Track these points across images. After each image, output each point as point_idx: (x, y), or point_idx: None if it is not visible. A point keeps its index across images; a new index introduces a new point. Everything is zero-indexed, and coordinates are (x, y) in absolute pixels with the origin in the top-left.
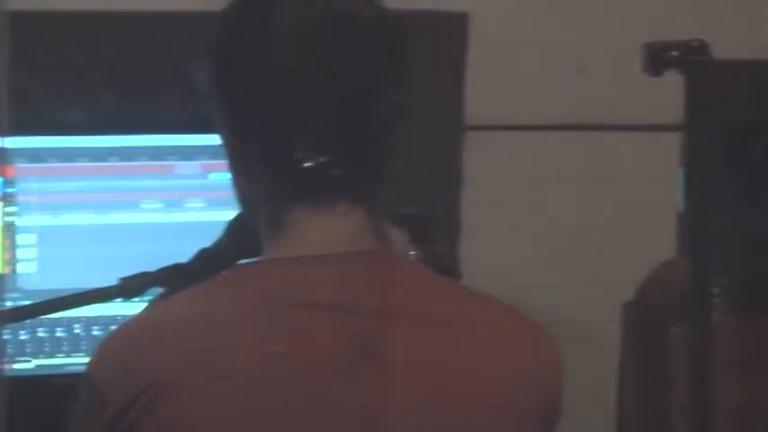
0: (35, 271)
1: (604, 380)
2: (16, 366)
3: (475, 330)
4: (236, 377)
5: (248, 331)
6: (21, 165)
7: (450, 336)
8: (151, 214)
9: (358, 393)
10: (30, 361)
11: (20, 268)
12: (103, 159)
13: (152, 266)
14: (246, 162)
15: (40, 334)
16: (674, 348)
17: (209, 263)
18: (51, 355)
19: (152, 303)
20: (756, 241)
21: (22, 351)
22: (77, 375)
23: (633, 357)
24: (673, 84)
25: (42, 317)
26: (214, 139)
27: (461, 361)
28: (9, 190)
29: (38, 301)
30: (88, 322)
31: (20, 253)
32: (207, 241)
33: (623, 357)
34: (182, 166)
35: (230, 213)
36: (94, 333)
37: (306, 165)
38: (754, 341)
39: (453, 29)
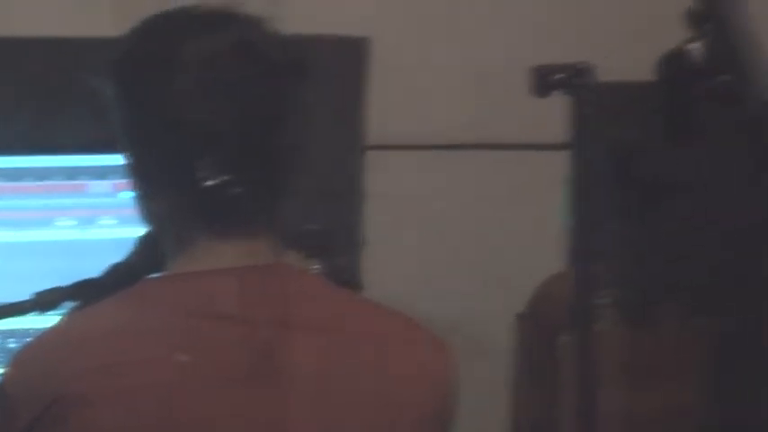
0: None
1: (499, 387)
2: None
3: (372, 340)
4: (147, 388)
5: (157, 343)
6: None
7: (348, 346)
8: (65, 231)
9: (261, 402)
10: None
11: None
12: (19, 179)
13: (67, 281)
14: (152, 182)
15: None
16: (562, 357)
17: (121, 277)
18: None
19: (65, 317)
20: (642, 255)
21: None
22: None
23: (526, 365)
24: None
25: None
26: (123, 159)
27: (359, 370)
28: None
29: None
30: (4, 335)
31: None
32: (119, 257)
33: (517, 365)
34: (94, 185)
35: (140, 230)
36: (10, 345)
37: (208, 183)
38: (642, 349)
39: (354, 53)
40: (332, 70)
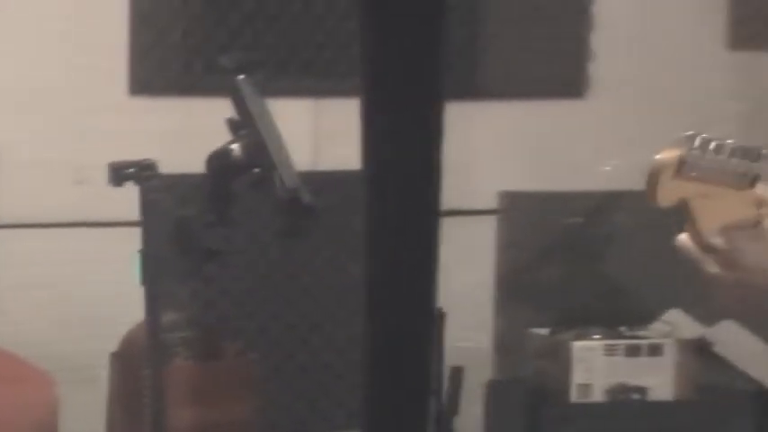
0: None
1: (98, 413)
2: None
3: None
4: None
5: None
6: None
7: None
8: None
9: None
10: None
11: None
12: None
13: None
14: None
15: None
16: (145, 386)
17: None
18: None
19: None
20: (206, 303)
21: None
22: None
23: (117, 395)
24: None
25: None
26: None
27: None
28: None
29: None
30: None
31: None
32: None
33: (111, 395)
34: None
35: None
36: None
37: None
38: (208, 378)
39: None
40: None
